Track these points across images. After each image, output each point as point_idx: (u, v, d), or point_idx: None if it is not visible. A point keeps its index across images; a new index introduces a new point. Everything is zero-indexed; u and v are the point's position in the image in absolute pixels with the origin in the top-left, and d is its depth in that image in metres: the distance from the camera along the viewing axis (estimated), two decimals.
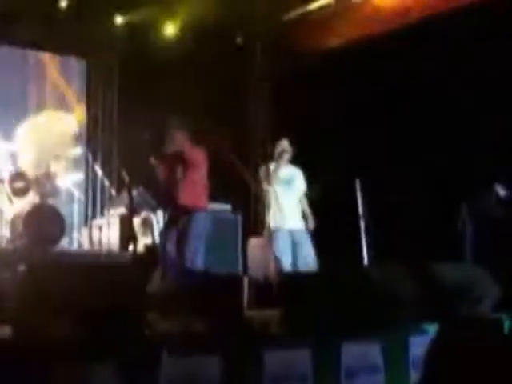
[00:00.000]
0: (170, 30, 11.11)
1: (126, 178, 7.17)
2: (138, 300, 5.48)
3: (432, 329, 5.69)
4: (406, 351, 5.73)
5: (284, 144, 8.13)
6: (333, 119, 9.51)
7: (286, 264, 7.82)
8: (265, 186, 8.04)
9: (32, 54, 10.76)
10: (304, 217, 8.15)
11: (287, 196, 8.07)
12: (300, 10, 10.73)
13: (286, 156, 8.12)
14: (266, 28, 11.29)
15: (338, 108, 9.46)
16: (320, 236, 8.20)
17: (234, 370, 4.91)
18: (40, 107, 10.49)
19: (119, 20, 11.00)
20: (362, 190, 8.36)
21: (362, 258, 8.16)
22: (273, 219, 7.97)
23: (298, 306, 5.62)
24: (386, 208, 8.38)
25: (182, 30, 11.05)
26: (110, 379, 4.46)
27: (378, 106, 9.16)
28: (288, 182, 8.16)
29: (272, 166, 8.07)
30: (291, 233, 7.99)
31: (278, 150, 8.11)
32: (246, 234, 9.27)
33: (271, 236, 7.99)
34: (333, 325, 5.55)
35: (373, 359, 5.62)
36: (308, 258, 7.89)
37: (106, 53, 11.29)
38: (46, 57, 10.92)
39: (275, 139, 8.35)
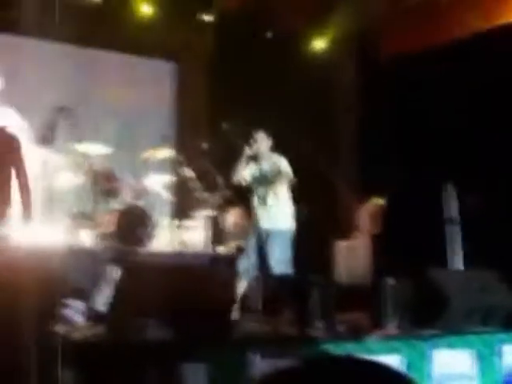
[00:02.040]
0: (258, 29, 11.15)
1: (220, 180, 7.21)
2: (228, 301, 5.52)
3: None
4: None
5: (258, 140, 7.70)
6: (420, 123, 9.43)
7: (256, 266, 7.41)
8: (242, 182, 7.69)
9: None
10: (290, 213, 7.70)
11: (269, 193, 7.61)
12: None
13: (263, 150, 7.68)
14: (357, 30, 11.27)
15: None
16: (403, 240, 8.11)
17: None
18: None
19: (208, 21, 11.09)
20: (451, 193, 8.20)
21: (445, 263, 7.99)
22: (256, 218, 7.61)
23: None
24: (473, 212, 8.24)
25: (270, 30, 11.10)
26: (199, 380, 4.49)
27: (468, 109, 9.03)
28: (267, 180, 7.68)
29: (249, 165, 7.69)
30: (269, 233, 7.50)
31: (255, 147, 7.69)
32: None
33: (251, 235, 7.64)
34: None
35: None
36: (281, 261, 7.44)
37: (197, 55, 11.40)
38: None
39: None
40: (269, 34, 11.15)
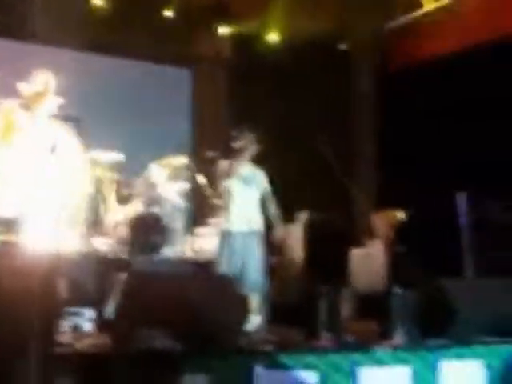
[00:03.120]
0: (274, 39, 11.17)
1: None
2: (238, 310, 5.50)
3: None
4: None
5: (247, 139, 7.53)
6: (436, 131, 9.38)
7: (233, 269, 7.15)
8: (222, 182, 7.52)
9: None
10: (266, 220, 7.51)
11: (245, 195, 7.45)
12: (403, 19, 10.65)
13: (248, 152, 7.50)
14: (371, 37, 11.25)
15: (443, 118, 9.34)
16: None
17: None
18: None
19: (224, 30, 11.13)
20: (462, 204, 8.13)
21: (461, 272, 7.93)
22: (226, 219, 7.44)
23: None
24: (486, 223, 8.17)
25: (286, 40, 11.09)
26: None
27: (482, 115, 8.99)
28: (247, 181, 7.52)
29: (231, 162, 7.50)
30: (243, 235, 7.34)
31: (239, 144, 7.52)
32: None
33: (222, 237, 7.44)
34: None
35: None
36: (256, 265, 7.30)
37: (212, 62, 11.44)
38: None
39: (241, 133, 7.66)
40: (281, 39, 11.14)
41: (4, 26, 9.45)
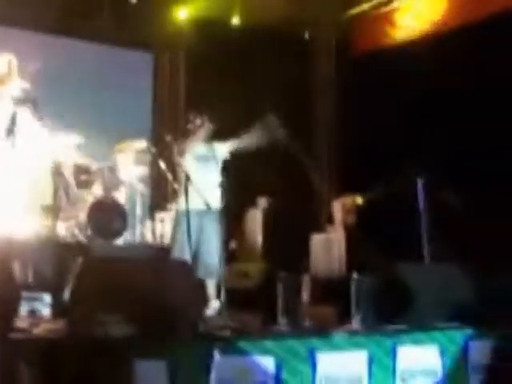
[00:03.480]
0: (235, 22, 11.16)
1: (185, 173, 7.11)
2: (196, 295, 5.50)
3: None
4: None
5: (200, 120, 7.44)
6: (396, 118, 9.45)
7: (187, 251, 6.88)
8: (176, 162, 7.45)
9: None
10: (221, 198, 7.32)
11: (201, 175, 7.29)
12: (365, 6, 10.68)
13: (202, 132, 7.43)
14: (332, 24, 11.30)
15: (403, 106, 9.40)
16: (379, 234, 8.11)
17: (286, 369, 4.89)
18: None
19: (185, 13, 11.08)
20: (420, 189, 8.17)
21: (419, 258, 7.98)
22: (181, 199, 7.21)
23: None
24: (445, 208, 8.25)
25: (248, 24, 11.09)
26: (162, 378, 4.47)
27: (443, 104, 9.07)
28: (203, 160, 7.49)
29: (186, 142, 7.44)
30: (198, 215, 7.13)
31: (194, 124, 7.46)
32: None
33: (177, 218, 7.33)
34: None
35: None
36: (212, 248, 7.17)
37: (173, 46, 11.40)
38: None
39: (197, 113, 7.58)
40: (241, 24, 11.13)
41: None
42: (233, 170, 7.71)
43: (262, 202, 9.80)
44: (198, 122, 7.42)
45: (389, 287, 5.93)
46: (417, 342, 5.50)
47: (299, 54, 11.31)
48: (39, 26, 10.03)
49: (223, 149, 7.60)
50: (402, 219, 8.33)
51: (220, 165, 7.53)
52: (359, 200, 9.37)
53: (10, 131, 4.91)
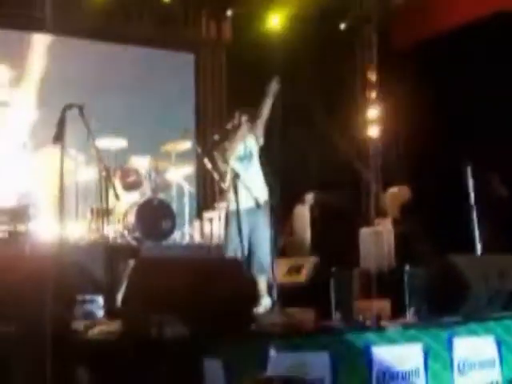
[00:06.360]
0: (274, 20, 11.17)
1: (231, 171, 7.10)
2: (246, 293, 5.48)
3: None
4: None
5: (239, 117, 7.36)
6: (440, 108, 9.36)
7: (239, 248, 6.83)
8: (220, 165, 7.36)
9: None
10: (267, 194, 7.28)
11: (246, 173, 7.17)
12: None
13: (242, 130, 7.34)
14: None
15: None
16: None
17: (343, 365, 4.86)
18: None
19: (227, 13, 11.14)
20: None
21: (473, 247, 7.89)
22: (230, 200, 7.11)
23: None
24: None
25: (288, 21, 11.08)
26: (217, 375, 4.47)
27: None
28: (245, 158, 7.35)
29: (227, 143, 7.34)
30: (248, 213, 7.05)
31: (232, 124, 7.39)
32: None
33: (227, 217, 7.18)
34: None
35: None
36: (263, 241, 7.05)
37: (214, 46, 11.44)
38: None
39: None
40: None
41: None
42: (277, 166, 7.69)
43: (310, 197, 9.77)
44: (240, 120, 7.42)
45: (442, 279, 5.88)
46: (473, 333, 5.45)
47: (343, 45, 11.26)
48: (77, 30, 10.15)
49: (257, 145, 7.56)
50: (453, 210, 8.26)
51: (259, 162, 7.50)
52: (408, 192, 9.30)
53: (59, 136, 4.96)
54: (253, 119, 7.40)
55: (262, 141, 7.45)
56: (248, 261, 6.91)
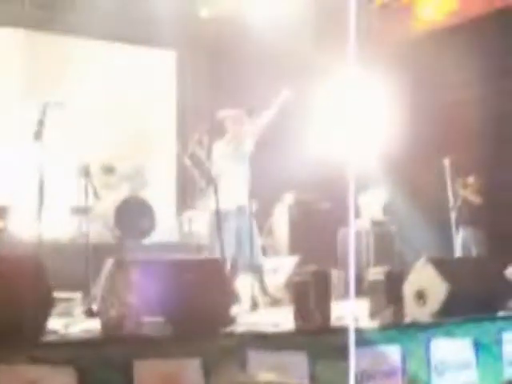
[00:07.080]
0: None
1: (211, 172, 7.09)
2: (226, 294, 5.47)
3: None
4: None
5: (224, 115, 7.40)
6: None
7: (228, 250, 6.86)
8: (203, 161, 7.27)
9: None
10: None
11: (231, 173, 7.22)
12: None
13: (231, 131, 7.37)
14: None
15: None
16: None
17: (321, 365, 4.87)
18: None
19: (205, 13, 11.10)
20: None
21: None
22: (211, 198, 6.98)
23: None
24: None
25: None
26: (196, 375, 4.47)
27: None
28: (232, 158, 7.36)
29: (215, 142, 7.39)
30: (234, 214, 7.11)
31: (221, 124, 7.43)
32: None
33: (211, 217, 7.10)
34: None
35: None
36: (248, 241, 7.07)
37: (195, 45, 11.41)
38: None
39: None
40: None
41: None
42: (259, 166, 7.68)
43: (289, 197, 9.78)
44: (225, 121, 7.41)
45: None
46: (450, 335, 5.49)
47: None
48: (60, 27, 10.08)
49: (248, 146, 7.55)
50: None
51: (247, 162, 7.49)
52: (386, 193, 9.35)
53: (38, 134, 4.95)
54: (249, 121, 7.40)
55: (252, 147, 7.45)
56: (235, 260, 6.92)
